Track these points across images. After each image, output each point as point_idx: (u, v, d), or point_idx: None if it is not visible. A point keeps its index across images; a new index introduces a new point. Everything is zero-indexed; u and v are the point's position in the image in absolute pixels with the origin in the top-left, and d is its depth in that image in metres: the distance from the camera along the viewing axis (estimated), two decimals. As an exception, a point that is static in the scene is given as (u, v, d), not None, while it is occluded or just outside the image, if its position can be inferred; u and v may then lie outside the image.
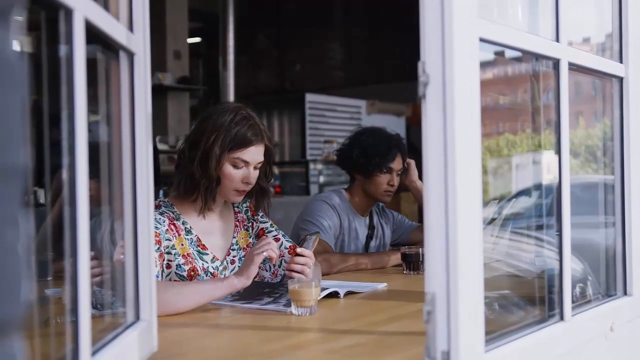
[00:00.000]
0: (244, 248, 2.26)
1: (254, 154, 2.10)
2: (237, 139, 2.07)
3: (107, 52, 1.26)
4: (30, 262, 0.54)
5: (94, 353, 1.04)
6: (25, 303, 0.53)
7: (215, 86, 7.65)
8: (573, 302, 1.49)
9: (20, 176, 0.52)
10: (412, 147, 5.46)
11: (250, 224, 2.30)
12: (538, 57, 1.51)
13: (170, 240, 2.06)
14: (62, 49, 0.97)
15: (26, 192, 0.56)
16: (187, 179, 2.11)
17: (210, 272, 2.13)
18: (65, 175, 0.97)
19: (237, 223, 2.27)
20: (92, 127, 1.05)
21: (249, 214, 2.31)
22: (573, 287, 1.53)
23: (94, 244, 1.03)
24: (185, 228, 2.12)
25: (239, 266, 2.19)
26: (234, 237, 2.24)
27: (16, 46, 0.54)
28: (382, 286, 2.28)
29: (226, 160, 2.08)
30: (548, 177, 1.86)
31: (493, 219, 1.90)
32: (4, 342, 0.50)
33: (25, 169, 0.53)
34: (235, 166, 2.09)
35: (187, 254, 2.09)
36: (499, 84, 1.67)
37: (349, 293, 2.11)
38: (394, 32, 8.41)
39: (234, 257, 2.22)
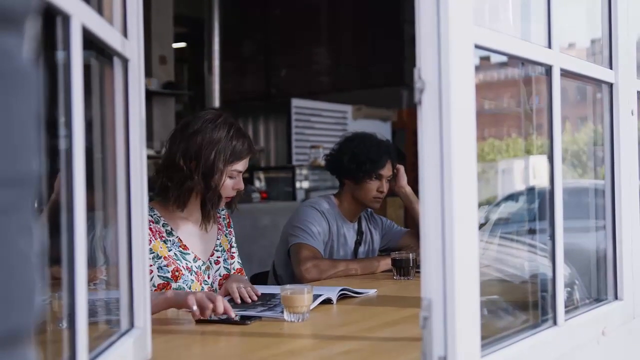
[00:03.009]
0: (226, 250, 2.34)
1: (246, 163, 2.24)
2: (236, 153, 2.18)
3: (100, 57, 1.25)
4: (42, 270, 0.54)
5: (90, 361, 1.03)
6: (38, 311, 0.53)
7: (200, 91, 7.64)
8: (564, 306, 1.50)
9: (34, 185, 0.52)
10: (398, 152, 5.46)
11: (228, 231, 2.40)
12: (531, 63, 1.52)
13: None
14: (59, 55, 0.97)
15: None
16: (186, 193, 2.15)
17: (194, 272, 2.18)
18: (61, 181, 0.96)
19: (220, 226, 2.36)
20: (85, 133, 1.04)
21: (225, 222, 2.40)
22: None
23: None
24: (167, 230, 2.18)
25: (223, 266, 2.29)
26: (218, 239, 2.32)
27: (29, 54, 0.54)
28: (372, 292, 2.28)
29: (226, 174, 2.17)
30: (535, 182, 1.87)
31: (482, 224, 1.91)
32: (19, 350, 0.50)
33: (38, 178, 0.52)
34: (231, 177, 2.20)
35: (169, 255, 2.14)
36: (485, 89, 1.68)
37: (342, 296, 2.11)
38: (380, 38, 8.44)
39: (218, 257, 2.30)
